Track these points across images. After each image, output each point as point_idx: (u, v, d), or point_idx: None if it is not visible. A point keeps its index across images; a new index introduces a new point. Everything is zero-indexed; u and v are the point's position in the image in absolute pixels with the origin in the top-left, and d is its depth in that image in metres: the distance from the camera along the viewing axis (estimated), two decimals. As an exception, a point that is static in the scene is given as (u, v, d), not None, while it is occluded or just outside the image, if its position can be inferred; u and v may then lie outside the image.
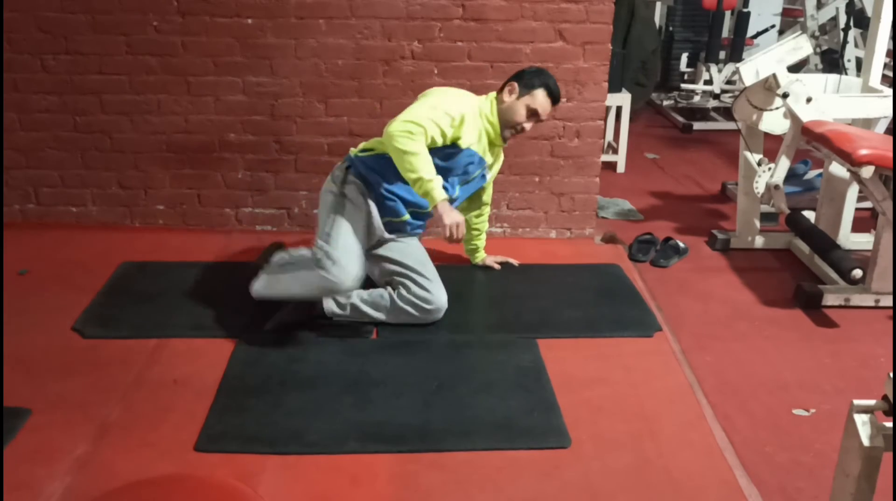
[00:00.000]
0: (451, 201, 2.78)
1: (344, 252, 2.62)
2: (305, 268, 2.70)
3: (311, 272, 2.64)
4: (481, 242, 3.24)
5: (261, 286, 2.81)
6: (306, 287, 2.68)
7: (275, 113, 3.51)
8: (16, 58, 3.40)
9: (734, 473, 2.14)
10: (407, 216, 2.80)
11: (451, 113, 2.63)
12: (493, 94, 2.84)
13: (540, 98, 2.76)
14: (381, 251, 2.83)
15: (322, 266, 2.60)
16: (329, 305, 2.74)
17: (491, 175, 3.00)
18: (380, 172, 2.74)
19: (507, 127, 2.80)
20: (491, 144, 2.84)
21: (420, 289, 2.75)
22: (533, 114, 2.78)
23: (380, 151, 2.74)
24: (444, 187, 2.67)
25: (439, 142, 2.62)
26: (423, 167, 2.54)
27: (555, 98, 2.80)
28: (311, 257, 2.70)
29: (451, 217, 2.59)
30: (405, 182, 2.66)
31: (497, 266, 3.27)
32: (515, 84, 2.78)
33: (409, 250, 2.84)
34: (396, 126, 2.55)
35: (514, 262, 3.31)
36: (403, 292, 2.75)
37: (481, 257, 3.27)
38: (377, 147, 2.76)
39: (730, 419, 2.40)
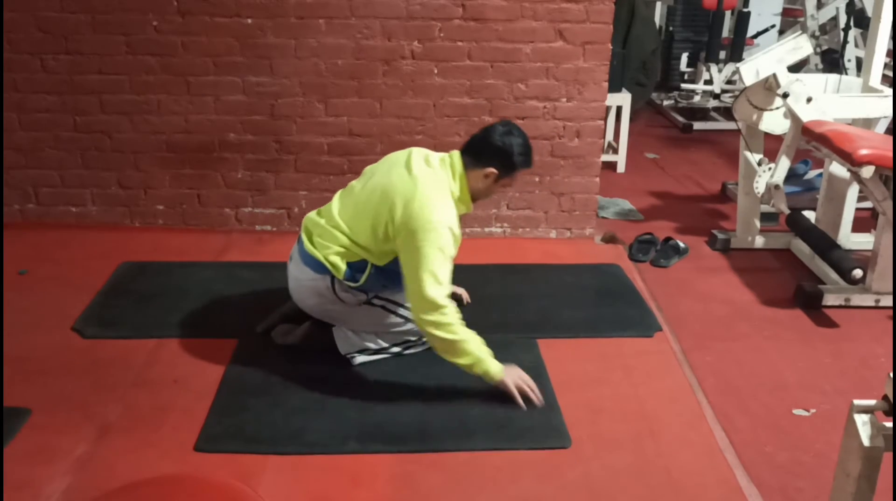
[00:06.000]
0: None
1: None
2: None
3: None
4: None
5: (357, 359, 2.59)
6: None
7: (275, 113, 3.51)
8: (16, 58, 3.40)
9: (734, 473, 2.14)
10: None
11: (451, 243, 2.33)
12: (459, 165, 2.42)
13: (518, 178, 2.49)
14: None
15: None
16: (339, 333, 2.58)
17: None
18: (377, 288, 2.51)
19: (479, 200, 2.50)
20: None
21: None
22: (508, 187, 2.53)
23: (367, 274, 2.45)
24: None
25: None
26: (472, 350, 2.30)
27: (531, 166, 2.51)
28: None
29: (515, 380, 2.36)
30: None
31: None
32: (494, 171, 2.40)
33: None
34: (424, 317, 2.27)
35: (465, 296, 2.97)
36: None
37: None
38: (358, 254, 2.43)
39: (730, 419, 2.40)
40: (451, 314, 2.29)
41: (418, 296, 2.28)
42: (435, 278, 2.27)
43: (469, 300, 3.01)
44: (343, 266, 2.43)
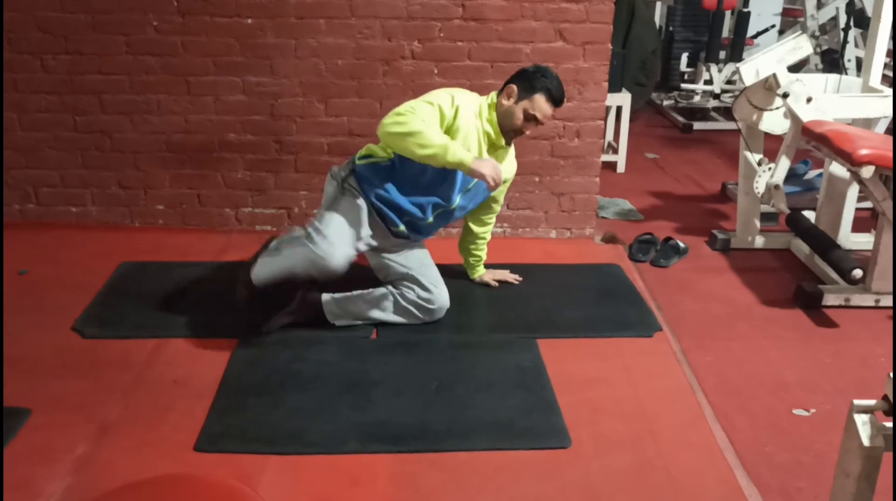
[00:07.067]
0: (451, 211, 2.77)
1: (334, 230, 2.62)
2: (298, 244, 2.64)
3: (302, 247, 2.61)
4: (482, 253, 3.11)
5: (258, 268, 2.73)
6: (297, 262, 2.62)
7: (275, 113, 3.51)
8: (16, 58, 3.40)
9: (734, 473, 2.14)
10: (402, 227, 2.75)
11: (444, 100, 2.60)
12: (494, 94, 2.75)
13: (539, 103, 2.66)
14: (385, 255, 2.83)
15: (312, 241, 2.58)
16: (329, 306, 2.76)
17: (504, 183, 2.91)
18: (372, 182, 2.71)
19: (506, 131, 2.73)
20: (493, 147, 2.75)
21: (422, 290, 2.77)
22: (531, 118, 2.68)
23: (376, 160, 2.73)
24: (447, 194, 2.72)
25: (436, 123, 2.55)
26: (432, 140, 2.46)
27: (556, 102, 2.69)
28: (304, 234, 2.67)
29: (487, 168, 2.52)
30: (399, 192, 2.69)
31: (495, 284, 3.14)
32: (514, 87, 2.67)
33: (412, 254, 2.85)
34: (386, 118, 2.51)
35: (515, 280, 3.19)
36: (406, 292, 2.77)
37: (481, 271, 3.15)
38: (375, 153, 2.75)
39: (730, 419, 2.40)
40: (409, 115, 2.49)
41: (390, 113, 2.53)
42: (410, 106, 2.53)
43: (520, 279, 3.19)
44: (369, 152, 2.74)
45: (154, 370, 2.53)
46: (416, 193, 2.71)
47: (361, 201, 2.71)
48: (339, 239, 2.61)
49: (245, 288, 2.76)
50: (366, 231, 2.71)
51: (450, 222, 2.90)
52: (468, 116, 2.63)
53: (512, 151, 2.90)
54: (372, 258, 2.88)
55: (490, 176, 2.51)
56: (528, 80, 2.67)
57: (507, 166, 2.88)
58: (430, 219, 2.75)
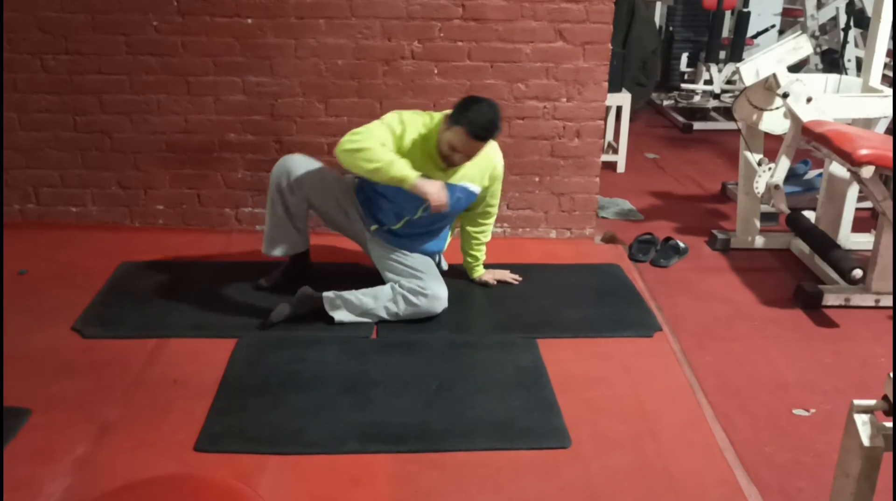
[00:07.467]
0: (416, 221, 2.85)
1: (305, 158, 2.94)
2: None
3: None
4: (481, 253, 3.11)
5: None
6: (271, 182, 2.90)
7: (275, 113, 3.51)
8: (16, 58, 3.40)
9: (734, 473, 2.14)
10: (376, 227, 2.92)
11: (394, 121, 2.72)
12: (446, 113, 2.74)
13: (459, 136, 2.60)
14: (380, 254, 2.92)
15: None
16: (329, 299, 2.79)
17: (488, 188, 2.92)
18: (363, 185, 2.94)
19: (441, 153, 2.71)
20: (437, 167, 2.74)
21: (417, 279, 2.83)
22: (454, 149, 2.65)
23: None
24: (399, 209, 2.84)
25: (389, 142, 2.67)
26: (379, 156, 2.58)
27: (478, 137, 2.61)
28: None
29: (431, 188, 2.62)
30: (377, 200, 2.87)
31: (494, 283, 3.15)
32: (448, 116, 2.67)
33: (412, 257, 2.92)
34: (343, 137, 2.64)
35: (515, 280, 3.19)
36: (403, 281, 2.84)
37: (479, 272, 3.14)
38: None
39: (730, 419, 2.40)
40: (361, 135, 2.62)
41: (347, 133, 2.66)
42: (366, 127, 2.67)
43: (520, 279, 3.20)
44: None
45: (154, 370, 2.53)
46: (388, 201, 2.84)
47: (348, 185, 2.97)
48: (302, 161, 2.91)
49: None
50: (335, 198, 2.95)
51: (423, 231, 2.94)
52: (413, 138, 2.71)
53: (490, 149, 2.82)
54: (374, 260, 2.97)
55: (433, 196, 2.62)
56: (457, 110, 2.64)
57: (477, 170, 2.82)
58: (397, 225, 2.89)
